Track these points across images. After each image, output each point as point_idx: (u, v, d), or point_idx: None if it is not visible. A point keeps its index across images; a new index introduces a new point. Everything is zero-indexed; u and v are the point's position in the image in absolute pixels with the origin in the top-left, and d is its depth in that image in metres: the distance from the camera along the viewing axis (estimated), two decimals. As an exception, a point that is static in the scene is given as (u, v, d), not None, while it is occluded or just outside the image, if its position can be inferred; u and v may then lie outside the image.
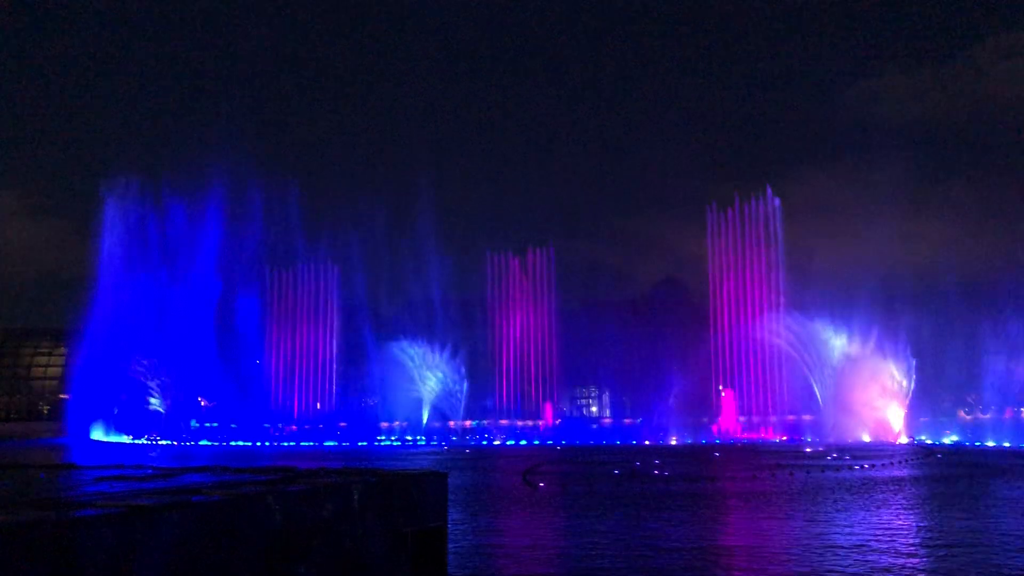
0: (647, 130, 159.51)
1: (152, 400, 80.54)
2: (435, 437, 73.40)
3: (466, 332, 79.88)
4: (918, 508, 23.43)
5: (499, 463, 43.27)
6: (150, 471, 12.88)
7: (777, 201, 75.74)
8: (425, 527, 10.88)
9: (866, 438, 62.11)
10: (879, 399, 64.95)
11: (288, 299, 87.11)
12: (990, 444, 57.31)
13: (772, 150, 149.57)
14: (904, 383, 64.58)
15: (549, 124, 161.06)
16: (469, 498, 25.89)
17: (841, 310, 66.72)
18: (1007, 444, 56.30)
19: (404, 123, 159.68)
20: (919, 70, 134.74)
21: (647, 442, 64.28)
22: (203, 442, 73.22)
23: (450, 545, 11.88)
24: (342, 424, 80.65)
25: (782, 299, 73.69)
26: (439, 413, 78.71)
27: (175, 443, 71.23)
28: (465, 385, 78.87)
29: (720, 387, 76.00)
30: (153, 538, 7.77)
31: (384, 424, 77.68)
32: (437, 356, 78.61)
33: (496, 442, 69.31)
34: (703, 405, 75.18)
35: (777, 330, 72.07)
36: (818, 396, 68.18)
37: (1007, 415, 65.69)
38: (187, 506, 8.42)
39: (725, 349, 75.92)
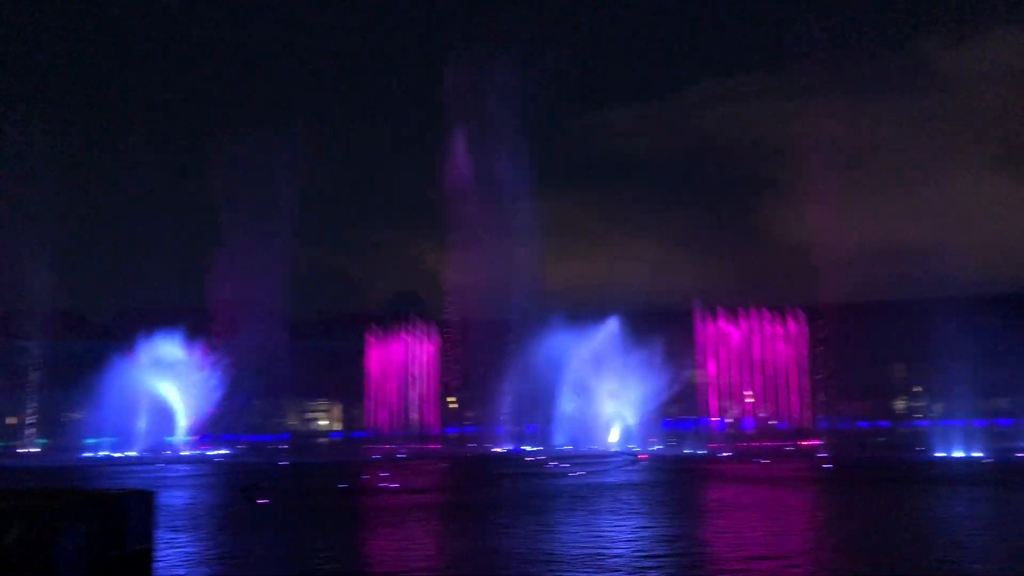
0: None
1: None
2: (149, 453, 68.53)
3: (190, 341, 75.13)
4: (633, 514, 25.16)
5: (219, 479, 41.39)
6: None
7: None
8: (128, 550, 10.23)
9: (583, 447, 66.02)
10: (595, 410, 69.53)
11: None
12: (687, 451, 63.26)
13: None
14: (617, 396, 69.52)
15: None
16: (180, 518, 24.46)
17: (565, 326, 70.24)
18: (700, 452, 62.55)
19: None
20: (644, 105, 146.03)
21: (375, 456, 64.20)
22: None
23: (156, 569, 11.23)
24: (42, 440, 73.07)
25: (515, 315, 75.98)
26: (156, 427, 73.41)
27: None
28: (187, 397, 74.20)
29: (449, 399, 77.52)
30: None
31: (91, 440, 71.23)
32: (158, 366, 73.32)
33: (219, 458, 65.93)
34: (433, 417, 76.37)
35: (506, 344, 74.63)
36: (546, 406, 71.31)
37: (676, 425, 72.50)
38: None
39: (455, 361, 77.48)
